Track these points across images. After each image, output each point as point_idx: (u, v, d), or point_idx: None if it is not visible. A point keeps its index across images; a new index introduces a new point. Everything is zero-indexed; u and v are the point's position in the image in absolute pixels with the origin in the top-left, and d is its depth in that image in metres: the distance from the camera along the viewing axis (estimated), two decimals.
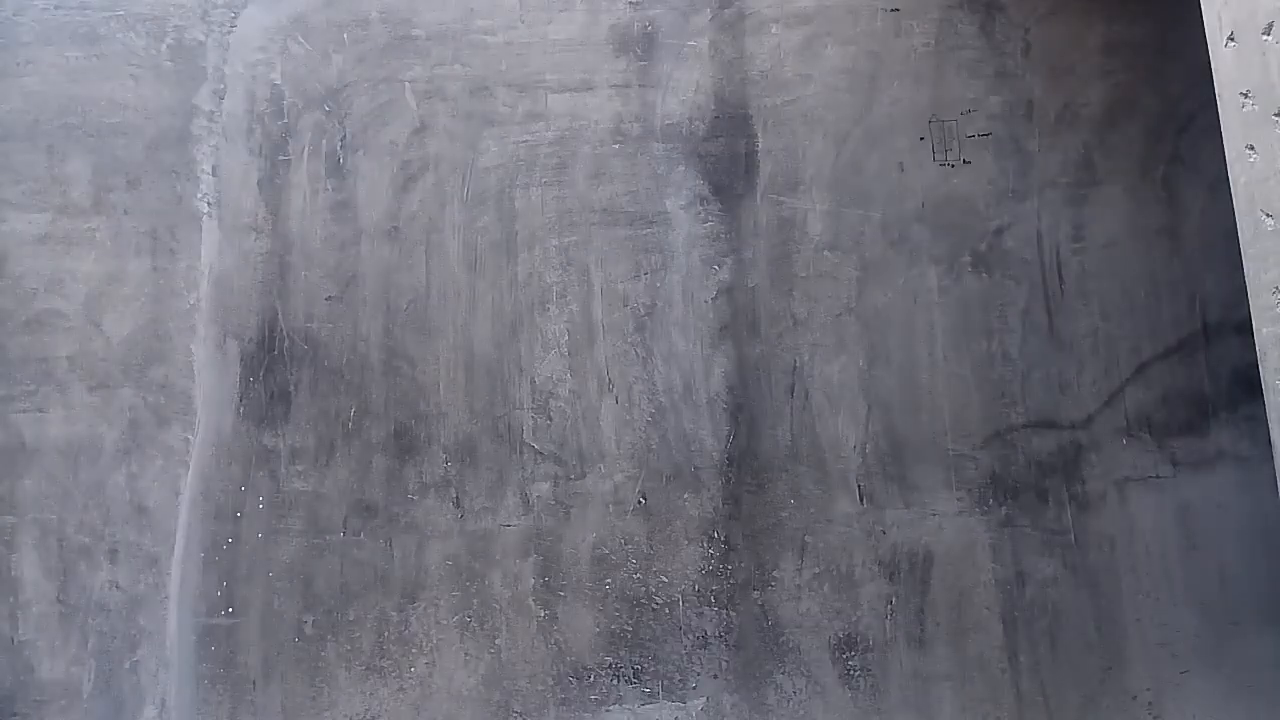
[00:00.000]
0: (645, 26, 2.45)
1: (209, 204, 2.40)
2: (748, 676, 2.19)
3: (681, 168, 2.40)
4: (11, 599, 2.23)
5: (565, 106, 2.42)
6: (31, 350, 2.32)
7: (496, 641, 2.21)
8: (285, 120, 2.44)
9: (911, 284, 2.33)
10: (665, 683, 2.19)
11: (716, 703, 2.18)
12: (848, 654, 2.19)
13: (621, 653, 2.21)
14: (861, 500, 2.25)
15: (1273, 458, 1.59)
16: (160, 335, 2.34)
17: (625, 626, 2.22)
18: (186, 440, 2.30)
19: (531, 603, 2.23)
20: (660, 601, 2.23)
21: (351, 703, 2.19)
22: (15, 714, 2.18)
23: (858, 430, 2.27)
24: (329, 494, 2.28)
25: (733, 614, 2.21)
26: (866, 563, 2.22)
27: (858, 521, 2.24)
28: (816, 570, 2.22)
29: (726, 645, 2.19)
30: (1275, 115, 1.26)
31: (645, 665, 2.20)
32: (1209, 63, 1.48)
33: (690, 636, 2.21)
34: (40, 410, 2.30)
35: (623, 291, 2.36)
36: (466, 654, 2.21)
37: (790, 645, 2.20)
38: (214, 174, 2.41)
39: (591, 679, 2.20)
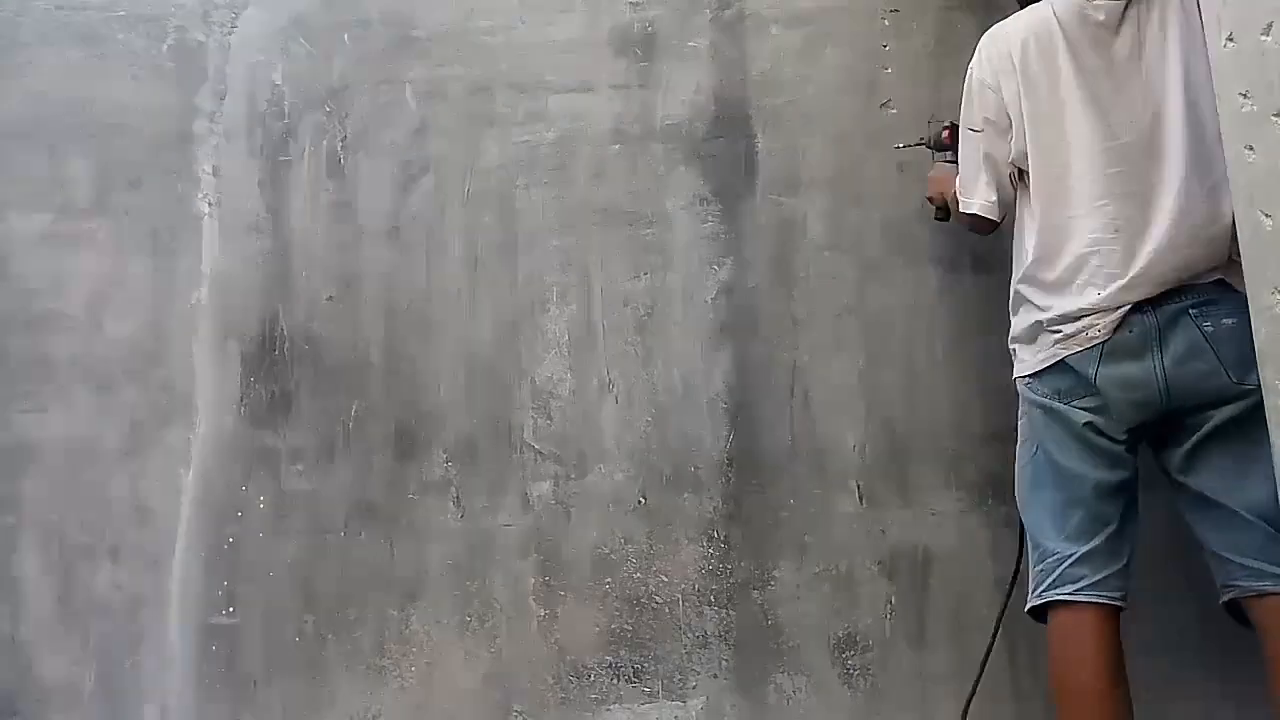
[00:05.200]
0: (645, 27, 2.46)
1: (210, 204, 2.41)
2: (747, 676, 2.19)
3: (681, 168, 2.40)
4: (12, 599, 2.23)
5: (565, 107, 2.42)
6: (33, 350, 2.33)
7: (497, 641, 2.22)
8: (286, 121, 2.44)
9: (911, 284, 2.33)
10: (665, 682, 2.19)
11: (716, 702, 2.18)
12: (847, 653, 2.19)
13: (621, 652, 2.21)
14: (861, 500, 2.25)
15: (1271, 458, 1.59)
16: (161, 335, 2.34)
17: (625, 626, 2.22)
18: (188, 440, 2.30)
19: (532, 602, 2.23)
20: (660, 601, 2.23)
21: (352, 702, 2.19)
22: (16, 714, 2.18)
23: (857, 430, 2.27)
24: (330, 494, 2.28)
25: (732, 613, 2.22)
26: (866, 562, 2.23)
27: (857, 521, 2.24)
28: (816, 570, 2.23)
29: (726, 644, 2.20)
30: (1275, 115, 1.26)
31: (645, 665, 2.20)
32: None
33: (690, 636, 2.21)
34: (41, 410, 2.30)
35: (623, 292, 2.36)
36: (467, 653, 2.21)
37: (790, 645, 2.20)
38: (215, 174, 2.42)
39: (591, 678, 2.20)
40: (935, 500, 2.24)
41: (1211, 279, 1.68)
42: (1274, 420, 1.34)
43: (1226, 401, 1.66)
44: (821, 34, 2.43)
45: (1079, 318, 1.72)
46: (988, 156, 1.88)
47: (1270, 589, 1.63)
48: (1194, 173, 1.68)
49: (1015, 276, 1.86)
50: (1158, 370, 1.68)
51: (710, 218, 2.38)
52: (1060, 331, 1.75)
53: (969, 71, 1.90)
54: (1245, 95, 1.32)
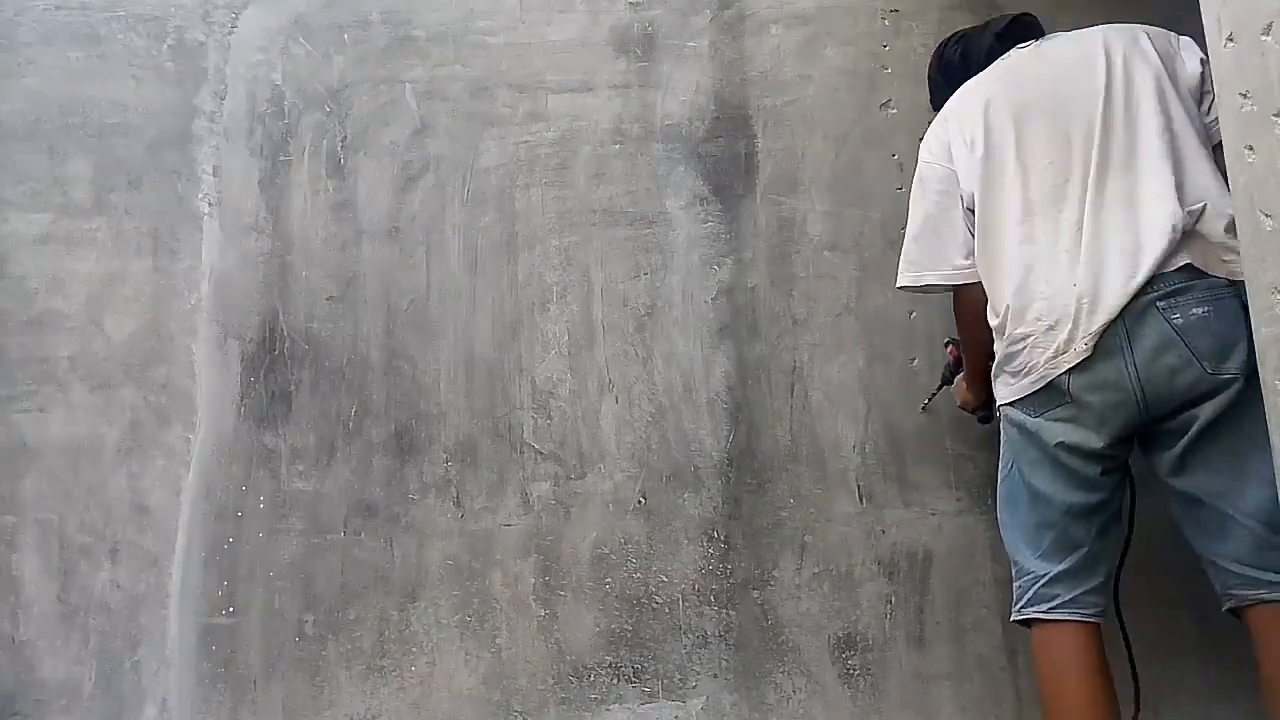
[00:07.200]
0: (645, 27, 2.46)
1: (210, 204, 2.41)
2: (747, 676, 2.19)
3: (681, 168, 2.40)
4: (12, 599, 2.23)
5: (565, 107, 2.43)
6: (32, 350, 2.32)
7: (497, 641, 2.22)
8: (286, 121, 2.44)
9: None
10: (665, 682, 2.19)
11: (716, 702, 2.18)
12: (847, 653, 2.19)
13: (621, 652, 2.21)
14: (861, 500, 2.25)
15: (1267, 459, 1.59)
16: (161, 335, 2.34)
17: (625, 626, 2.22)
18: (187, 440, 2.30)
19: (532, 602, 2.23)
20: (660, 601, 2.23)
21: (352, 702, 2.19)
22: (16, 713, 2.18)
23: (857, 430, 2.27)
24: (330, 494, 2.28)
25: (732, 613, 2.22)
26: (866, 562, 2.23)
27: (857, 521, 2.24)
28: (816, 570, 2.23)
29: (726, 644, 2.20)
30: (1274, 115, 1.26)
31: (645, 664, 2.20)
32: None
33: (690, 636, 2.21)
34: (41, 410, 2.30)
35: (623, 291, 2.36)
36: (467, 653, 2.21)
37: (790, 645, 2.20)
38: (215, 174, 2.42)
39: (591, 678, 2.20)
40: (935, 500, 2.25)
41: (1177, 265, 1.63)
42: (1274, 420, 1.34)
43: (1206, 395, 1.61)
44: (821, 34, 2.43)
45: (1058, 334, 1.69)
46: (945, 214, 1.86)
47: (1266, 597, 1.60)
48: (1127, 162, 1.68)
49: (989, 312, 1.84)
50: (1129, 369, 1.64)
51: (710, 218, 2.38)
52: (1044, 348, 1.71)
53: (917, 164, 1.94)
54: (1245, 95, 1.31)
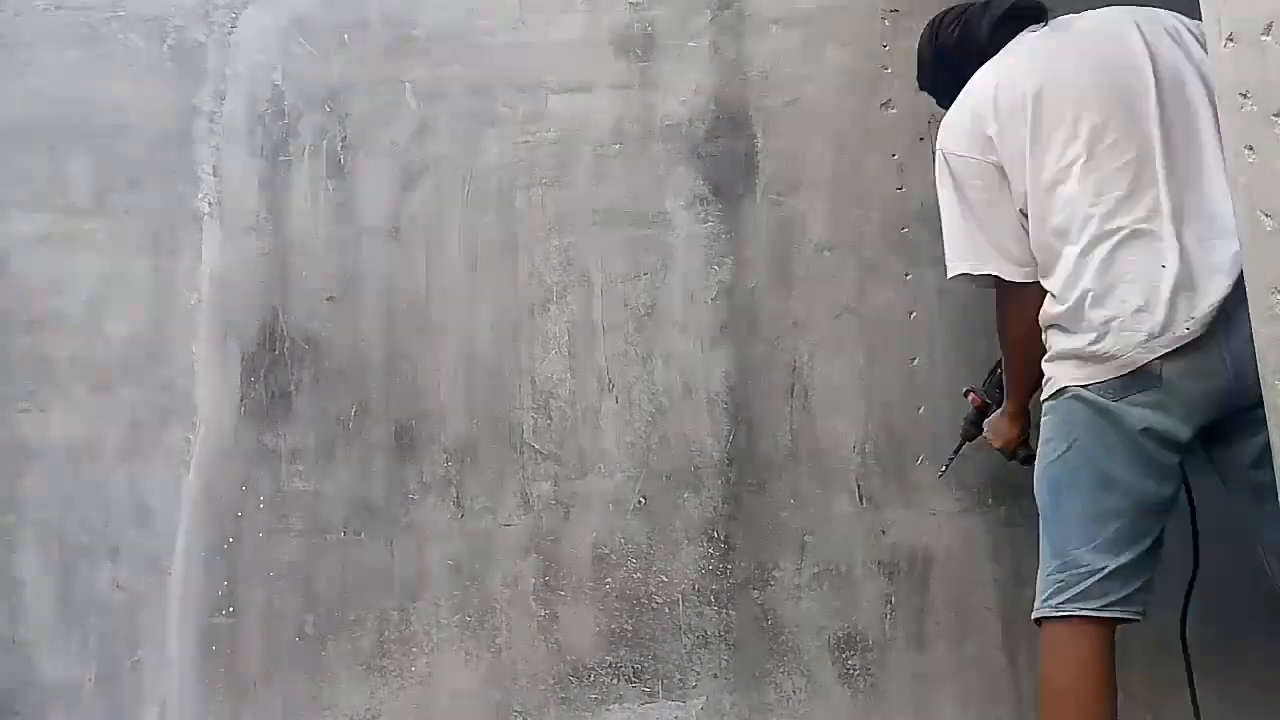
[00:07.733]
0: (645, 27, 2.46)
1: (210, 204, 2.41)
2: (747, 676, 2.19)
3: (681, 168, 2.40)
4: (12, 599, 2.23)
5: (565, 107, 2.42)
6: (32, 350, 2.33)
7: (497, 641, 2.22)
8: (286, 121, 2.44)
9: (911, 284, 2.33)
10: (665, 682, 2.19)
11: (716, 702, 2.18)
12: (847, 653, 2.19)
13: (621, 652, 2.21)
14: (861, 500, 2.25)
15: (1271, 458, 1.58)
16: (161, 335, 2.34)
17: (625, 626, 2.22)
18: (187, 440, 2.30)
19: (532, 602, 2.23)
20: (660, 601, 2.23)
21: (352, 702, 2.20)
22: (16, 714, 2.18)
23: (857, 430, 2.27)
24: (329, 494, 2.28)
25: (732, 613, 2.22)
26: (866, 562, 2.23)
27: (857, 521, 2.24)
28: (816, 570, 2.23)
29: (726, 644, 2.20)
30: (1274, 115, 1.26)
31: (645, 664, 2.20)
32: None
33: (690, 636, 2.21)
34: (41, 410, 2.30)
35: (623, 291, 2.36)
36: (467, 653, 2.21)
37: (790, 645, 2.20)
38: (215, 174, 2.42)
39: (592, 678, 2.20)
40: (935, 500, 2.24)
41: None
42: (1274, 420, 1.34)
43: None
44: (821, 34, 2.43)
45: (1151, 317, 1.58)
46: (993, 209, 1.78)
47: None
48: (1190, 137, 1.63)
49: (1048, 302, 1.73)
50: (1225, 355, 1.55)
51: (710, 218, 2.38)
52: (1132, 332, 1.60)
53: (943, 158, 1.84)
54: (1245, 95, 1.31)
